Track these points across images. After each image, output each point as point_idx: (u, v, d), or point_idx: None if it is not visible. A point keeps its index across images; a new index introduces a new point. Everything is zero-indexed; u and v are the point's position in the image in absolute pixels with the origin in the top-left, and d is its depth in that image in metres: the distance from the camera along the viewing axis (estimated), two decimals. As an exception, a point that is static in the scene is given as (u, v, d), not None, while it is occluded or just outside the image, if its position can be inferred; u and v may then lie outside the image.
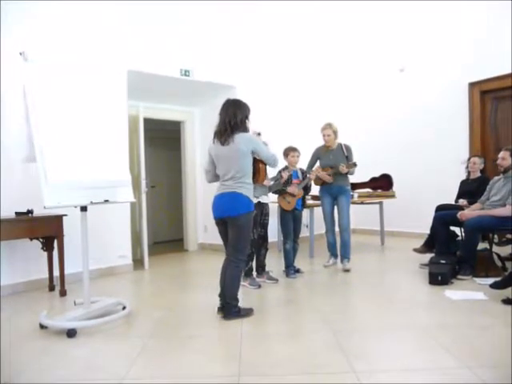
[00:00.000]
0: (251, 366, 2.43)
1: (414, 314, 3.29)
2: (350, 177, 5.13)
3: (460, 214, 4.43)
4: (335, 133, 5.02)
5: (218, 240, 6.62)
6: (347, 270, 4.87)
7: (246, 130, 3.30)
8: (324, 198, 5.14)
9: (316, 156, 5.21)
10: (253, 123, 3.44)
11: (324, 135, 5.06)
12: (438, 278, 4.05)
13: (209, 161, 3.45)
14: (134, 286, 4.91)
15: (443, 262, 4.25)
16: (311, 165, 5.18)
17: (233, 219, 3.23)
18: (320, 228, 7.08)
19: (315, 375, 2.32)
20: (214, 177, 3.47)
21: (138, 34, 5.19)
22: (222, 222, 3.35)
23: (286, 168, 4.68)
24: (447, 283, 4.02)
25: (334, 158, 4.99)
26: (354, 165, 4.92)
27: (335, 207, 5.11)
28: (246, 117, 3.32)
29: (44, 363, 2.58)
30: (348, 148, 5.06)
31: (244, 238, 3.30)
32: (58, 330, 3.06)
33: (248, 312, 3.34)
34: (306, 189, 4.87)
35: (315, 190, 5.48)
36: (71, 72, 3.29)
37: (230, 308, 3.26)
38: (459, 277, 4.22)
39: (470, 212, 4.48)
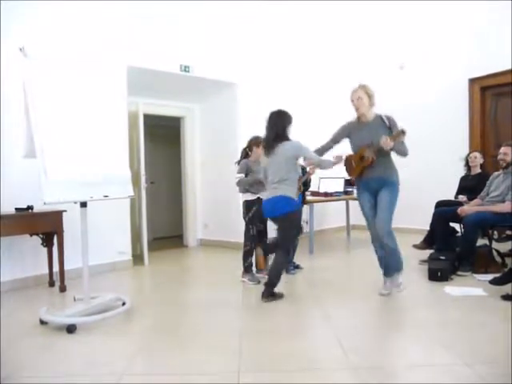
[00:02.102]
0: (251, 363, 2.44)
1: (413, 311, 3.30)
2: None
3: (460, 210, 4.43)
4: (370, 97, 3.68)
5: (217, 236, 6.74)
6: (400, 291, 3.71)
7: (287, 137, 3.69)
8: (361, 195, 3.77)
9: (345, 132, 3.80)
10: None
11: (352, 100, 3.70)
12: (438, 274, 4.06)
13: (263, 170, 3.92)
14: (134, 281, 4.91)
15: (443, 258, 4.26)
16: (334, 141, 3.83)
17: (280, 218, 3.71)
18: (320, 224, 7.11)
19: (315, 371, 2.32)
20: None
21: (137, 29, 5.17)
22: (275, 220, 3.84)
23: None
24: (447, 279, 4.03)
25: (369, 134, 3.59)
26: (403, 132, 3.50)
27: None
28: (287, 125, 3.72)
29: (44, 359, 2.58)
30: (390, 119, 3.68)
31: (289, 233, 3.79)
32: (58, 325, 3.06)
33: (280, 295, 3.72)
34: (306, 184, 4.86)
35: (315, 186, 5.49)
36: (71, 68, 3.28)
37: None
38: (459, 273, 4.23)
39: (470, 208, 4.48)
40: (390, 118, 3.70)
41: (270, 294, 3.63)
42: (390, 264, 3.72)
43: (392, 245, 3.60)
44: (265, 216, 3.94)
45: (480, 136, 6.45)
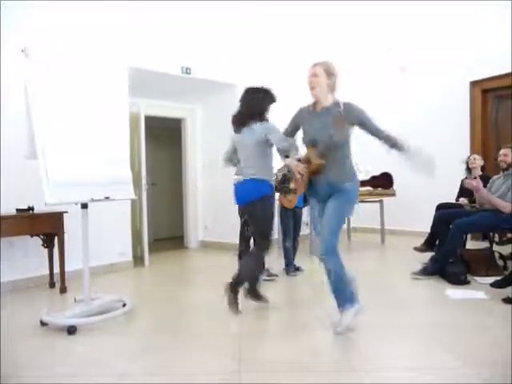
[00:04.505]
0: (252, 364, 2.43)
1: (414, 313, 3.29)
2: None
3: (468, 183, 4.34)
4: (330, 77, 2.79)
5: (218, 238, 6.73)
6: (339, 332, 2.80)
7: (263, 119, 3.30)
8: (312, 205, 3.09)
9: (296, 122, 3.04)
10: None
11: (308, 77, 2.86)
12: (462, 277, 3.98)
13: (230, 146, 3.64)
14: (135, 282, 4.91)
15: (451, 260, 4.19)
16: (289, 133, 3.10)
17: (249, 206, 3.35)
18: (320, 226, 7.10)
19: (315, 373, 2.32)
20: (231, 162, 3.67)
21: (138, 30, 5.18)
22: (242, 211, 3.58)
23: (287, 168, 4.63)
24: (469, 282, 3.97)
25: (319, 127, 2.81)
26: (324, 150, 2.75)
27: None
28: (264, 107, 3.34)
29: (44, 360, 2.58)
30: (350, 109, 2.81)
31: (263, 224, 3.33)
32: (58, 327, 3.06)
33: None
34: (284, 182, 4.78)
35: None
36: (72, 69, 3.29)
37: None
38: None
39: (478, 184, 4.33)
40: (350, 107, 2.83)
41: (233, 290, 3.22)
42: (337, 294, 2.88)
43: (335, 267, 2.86)
44: (237, 203, 3.50)
45: (481, 138, 6.44)
